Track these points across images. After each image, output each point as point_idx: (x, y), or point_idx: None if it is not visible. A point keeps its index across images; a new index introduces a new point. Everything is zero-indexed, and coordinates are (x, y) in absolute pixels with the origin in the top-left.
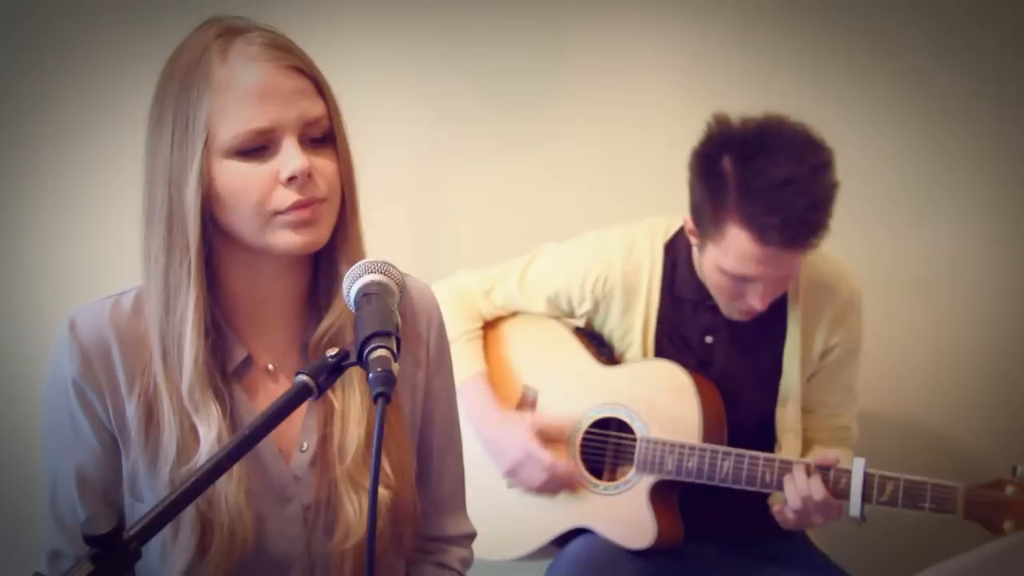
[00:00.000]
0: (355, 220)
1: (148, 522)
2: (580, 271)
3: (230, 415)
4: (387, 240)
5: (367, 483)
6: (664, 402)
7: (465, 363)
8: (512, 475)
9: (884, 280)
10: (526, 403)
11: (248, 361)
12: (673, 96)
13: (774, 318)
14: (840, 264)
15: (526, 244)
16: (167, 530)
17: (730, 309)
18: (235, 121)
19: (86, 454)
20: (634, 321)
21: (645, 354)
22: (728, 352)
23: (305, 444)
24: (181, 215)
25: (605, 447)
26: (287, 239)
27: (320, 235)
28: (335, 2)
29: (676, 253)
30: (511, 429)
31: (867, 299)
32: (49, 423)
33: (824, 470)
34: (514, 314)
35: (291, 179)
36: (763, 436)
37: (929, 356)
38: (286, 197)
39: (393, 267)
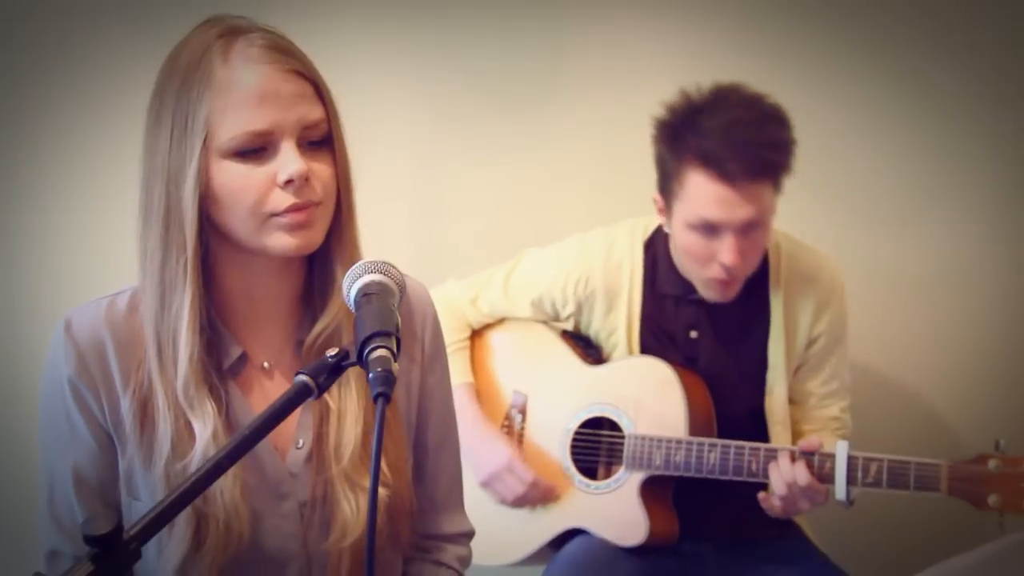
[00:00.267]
0: (351, 222)
1: (148, 522)
2: (562, 274)
3: (225, 412)
4: (387, 240)
5: (364, 482)
6: (650, 398)
7: (451, 375)
8: (487, 486)
9: (884, 280)
10: (512, 428)
11: (243, 359)
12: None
13: (757, 310)
14: (820, 255)
15: (526, 244)
16: None
17: (707, 284)
18: (234, 122)
19: (82, 453)
20: (618, 321)
21: (631, 353)
22: (713, 346)
23: (301, 441)
24: (178, 213)
25: (599, 447)
26: (282, 241)
27: (314, 238)
28: (335, 2)
29: (656, 250)
30: (493, 443)
31: (867, 299)
32: (46, 422)
33: (808, 455)
34: (501, 321)
35: (288, 182)
36: (755, 429)
37: (928, 356)
38: (282, 200)
39: (393, 267)
